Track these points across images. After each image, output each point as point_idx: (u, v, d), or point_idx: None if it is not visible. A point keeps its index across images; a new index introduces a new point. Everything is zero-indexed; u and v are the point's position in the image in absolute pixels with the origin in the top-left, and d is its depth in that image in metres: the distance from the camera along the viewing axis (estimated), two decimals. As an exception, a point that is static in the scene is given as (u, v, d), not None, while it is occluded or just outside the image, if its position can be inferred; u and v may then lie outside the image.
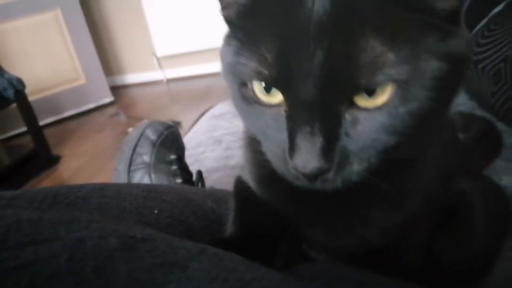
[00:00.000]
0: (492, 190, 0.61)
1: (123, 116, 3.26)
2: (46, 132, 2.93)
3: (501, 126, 0.90)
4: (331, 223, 0.45)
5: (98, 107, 3.64)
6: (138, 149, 0.89)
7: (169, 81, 4.06)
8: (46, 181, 2.52)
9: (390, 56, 0.30)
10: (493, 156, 0.76)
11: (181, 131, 1.38)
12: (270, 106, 0.35)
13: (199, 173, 0.87)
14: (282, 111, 0.34)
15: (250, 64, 0.34)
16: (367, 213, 0.43)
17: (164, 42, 3.82)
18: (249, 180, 0.50)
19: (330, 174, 0.33)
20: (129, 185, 0.50)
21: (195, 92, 3.54)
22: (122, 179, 0.88)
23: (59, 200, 0.41)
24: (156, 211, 0.47)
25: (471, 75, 0.93)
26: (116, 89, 4.01)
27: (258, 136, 0.39)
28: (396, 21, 0.30)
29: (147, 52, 3.99)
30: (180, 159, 0.91)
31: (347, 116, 0.32)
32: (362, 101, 0.32)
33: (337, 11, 0.30)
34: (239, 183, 0.54)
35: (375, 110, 0.32)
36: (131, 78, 4.21)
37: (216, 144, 1.13)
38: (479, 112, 0.97)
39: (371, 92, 0.31)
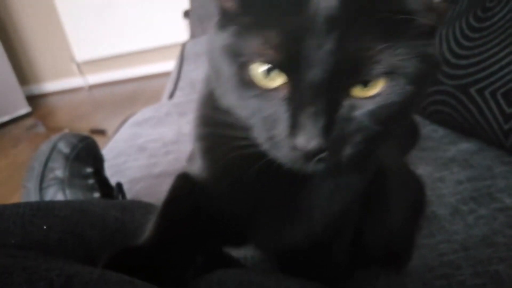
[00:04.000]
0: (409, 175, 0.65)
1: (41, 127, 3.05)
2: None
3: (416, 117, 0.94)
4: (279, 217, 0.48)
5: (13, 120, 3.37)
6: (50, 164, 0.82)
7: (91, 87, 3.87)
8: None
9: (387, 53, 0.34)
10: (411, 145, 0.81)
11: (106, 139, 1.30)
12: (268, 90, 0.37)
13: (118, 185, 0.82)
14: (281, 94, 0.36)
15: (254, 45, 0.35)
16: (313, 204, 0.47)
17: (83, 46, 3.63)
18: (202, 168, 0.50)
19: (326, 154, 0.36)
20: (17, 205, 0.47)
21: (120, 97, 3.40)
22: (33, 197, 0.80)
23: None
24: (45, 227, 0.45)
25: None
26: (33, 99, 3.74)
27: (248, 120, 0.39)
28: (393, 25, 0.34)
29: (65, 58, 3.76)
30: (98, 172, 0.85)
31: (344, 102, 0.36)
32: (358, 91, 0.35)
33: (346, 8, 0.33)
34: (181, 179, 0.54)
35: (368, 99, 0.36)
36: (49, 86, 3.96)
37: (139, 153, 1.08)
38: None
39: (365, 83, 0.35)
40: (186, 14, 2.61)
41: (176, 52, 2.19)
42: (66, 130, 2.69)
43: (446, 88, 0.81)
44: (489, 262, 0.59)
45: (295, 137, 0.35)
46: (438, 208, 0.70)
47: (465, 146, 0.83)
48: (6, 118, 3.33)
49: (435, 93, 0.85)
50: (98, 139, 0.95)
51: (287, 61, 0.35)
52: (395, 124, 0.39)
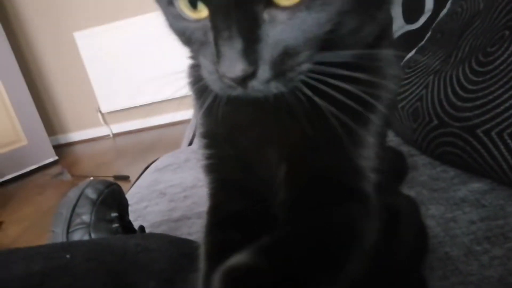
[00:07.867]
0: (413, 208, 0.65)
1: (67, 175, 3.14)
2: (-17, 198, 2.76)
3: (425, 159, 0.96)
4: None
5: (40, 168, 3.49)
6: (77, 210, 0.87)
7: (115, 135, 4.00)
8: (-17, 251, 2.33)
9: None
10: (400, 182, 0.80)
11: (129, 185, 1.35)
12: (199, 21, 0.36)
13: (141, 228, 0.86)
14: (208, 23, 0.34)
15: None
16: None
17: (108, 97, 3.80)
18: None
19: (260, 77, 0.33)
20: (40, 245, 0.51)
21: (142, 145, 3.50)
22: (59, 240, 0.84)
23: None
24: (68, 256, 0.47)
25: (394, 115, 1.00)
26: (60, 148, 3.89)
27: (196, 57, 0.40)
28: None
29: (91, 109, 3.93)
30: (122, 217, 0.89)
31: (265, 16, 0.32)
32: None
33: None
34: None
35: (294, 7, 0.32)
36: (76, 135, 4.11)
37: (159, 198, 1.12)
38: (405, 147, 1.04)
39: None
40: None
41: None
42: (91, 178, 2.78)
43: (453, 130, 0.84)
44: (506, 303, 0.59)
45: (219, 67, 0.33)
46: (451, 248, 0.71)
47: (476, 186, 0.84)
48: (34, 166, 3.46)
49: (443, 135, 0.87)
50: (122, 185, 1.00)
51: None
52: (347, 29, 0.34)
